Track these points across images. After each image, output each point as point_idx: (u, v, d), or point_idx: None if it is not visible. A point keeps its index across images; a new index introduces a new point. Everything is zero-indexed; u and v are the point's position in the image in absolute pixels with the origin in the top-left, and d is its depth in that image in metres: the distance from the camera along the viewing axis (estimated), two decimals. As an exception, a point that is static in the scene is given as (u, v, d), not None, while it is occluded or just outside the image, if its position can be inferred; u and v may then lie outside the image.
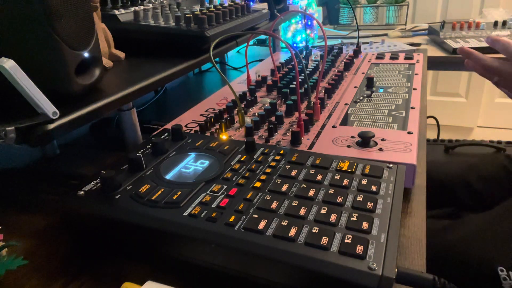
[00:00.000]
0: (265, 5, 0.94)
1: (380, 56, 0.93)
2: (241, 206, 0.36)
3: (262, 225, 0.33)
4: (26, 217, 0.47)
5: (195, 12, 0.67)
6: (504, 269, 0.54)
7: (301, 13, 1.24)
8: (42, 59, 0.40)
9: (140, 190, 0.38)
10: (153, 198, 0.37)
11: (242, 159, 0.44)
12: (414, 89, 0.70)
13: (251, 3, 0.92)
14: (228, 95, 0.73)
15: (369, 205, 0.36)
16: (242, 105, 0.65)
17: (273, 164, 0.43)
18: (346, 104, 0.65)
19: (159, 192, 0.38)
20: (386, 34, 1.48)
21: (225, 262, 0.34)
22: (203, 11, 0.69)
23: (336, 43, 1.15)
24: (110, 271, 0.38)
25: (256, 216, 0.35)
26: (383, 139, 0.51)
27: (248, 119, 0.61)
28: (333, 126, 0.57)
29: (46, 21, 0.39)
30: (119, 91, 0.48)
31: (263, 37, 1.34)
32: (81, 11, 0.43)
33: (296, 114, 0.62)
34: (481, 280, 0.57)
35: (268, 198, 0.37)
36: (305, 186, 0.39)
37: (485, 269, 0.57)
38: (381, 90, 0.71)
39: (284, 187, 0.39)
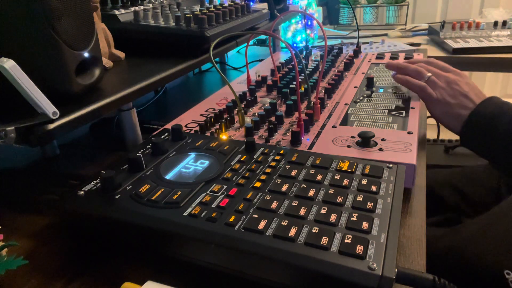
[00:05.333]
0: (265, 5, 0.94)
1: (380, 56, 0.93)
2: (241, 206, 0.36)
3: (262, 225, 0.33)
4: (26, 217, 0.47)
5: (195, 12, 0.67)
6: (511, 272, 0.54)
7: (301, 13, 1.24)
8: (42, 59, 0.40)
9: (140, 190, 0.38)
10: (153, 198, 0.37)
11: (242, 159, 0.44)
12: (414, 89, 0.70)
13: (251, 3, 0.92)
14: (228, 95, 0.73)
15: (369, 205, 0.36)
16: (242, 105, 0.65)
17: (273, 164, 0.43)
18: (346, 104, 0.65)
19: (159, 192, 0.38)
20: (386, 34, 1.48)
21: (225, 262, 0.34)
22: (203, 11, 0.69)
23: (336, 43, 1.15)
24: (110, 271, 0.38)
25: (256, 216, 0.35)
26: (383, 139, 0.51)
27: (248, 119, 0.61)
28: (333, 126, 0.57)
29: (46, 21, 0.39)
30: (119, 91, 0.48)
31: (263, 37, 1.34)
32: (81, 11, 0.43)
33: (296, 114, 0.62)
34: (485, 282, 0.57)
35: (268, 198, 0.37)
36: (305, 186, 0.39)
37: (489, 272, 0.56)
38: (381, 90, 0.71)
39: (284, 187, 0.39)
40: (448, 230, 0.68)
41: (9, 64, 0.35)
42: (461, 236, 0.63)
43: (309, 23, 1.30)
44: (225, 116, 0.61)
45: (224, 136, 0.53)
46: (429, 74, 0.64)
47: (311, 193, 0.38)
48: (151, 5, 0.70)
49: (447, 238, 0.65)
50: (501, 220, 0.60)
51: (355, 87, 0.73)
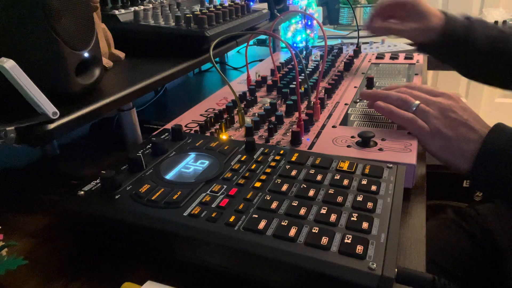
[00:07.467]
0: (265, 5, 0.94)
1: (380, 56, 0.93)
2: (241, 206, 0.36)
3: (262, 225, 0.33)
4: (26, 217, 0.47)
5: (195, 12, 0.67)
6: None
7: (301, 13, 1.24)
8: (42, 59, 0.40)
9: (140, 190, 0.38)
10: (153, 198, 0.37)
11: (242, 159, 0.44)
12: (414, 89, 0.70)
13: (251, 3, 0.92)
14: (228, 95, 0.73)
15: (369, 205, 0.36)
16: (242, 105, 0.65)
17: (273, 164, 0.43)
18: (346, 104, 0.65)
19: (159, 192, 0.38)
20: (386, 34, 1.48)
21: (225, 262, 0.34)
22: (203, 11, 0.69)
23: (336, 43, 1.15)
24: (110, 271, 0.38)
25: (256, 216, 0.35)
26: (383, 139, 0.51)
27: (248, 119, 0.61)
28: (333, 126, 0.57)
29: (46, 21, 0.39)
30: (119, 91, 0.48)
31: (263, 37, 1.34)
32: (81, 11, 0.43)
33: (296, 114, 0.62)
34: None
35: (268, 198, 0.37)
36: (305, 186, 0.39)
37: None
38: (381, 90, 0.70)
39: (284, 187, 0.39)
40: None
41: (9, 64, 0.35)
42: None
43: (309, 23, 1.30)
44: (225, 116, 0.61)
45: (224, 136, 0.53)
46: (417, 102, 0.53)
47: (311, 193, 0.38)
48: (151, 5, 0.70)
49: None
50: None
51: (355, 87, 0.73)
